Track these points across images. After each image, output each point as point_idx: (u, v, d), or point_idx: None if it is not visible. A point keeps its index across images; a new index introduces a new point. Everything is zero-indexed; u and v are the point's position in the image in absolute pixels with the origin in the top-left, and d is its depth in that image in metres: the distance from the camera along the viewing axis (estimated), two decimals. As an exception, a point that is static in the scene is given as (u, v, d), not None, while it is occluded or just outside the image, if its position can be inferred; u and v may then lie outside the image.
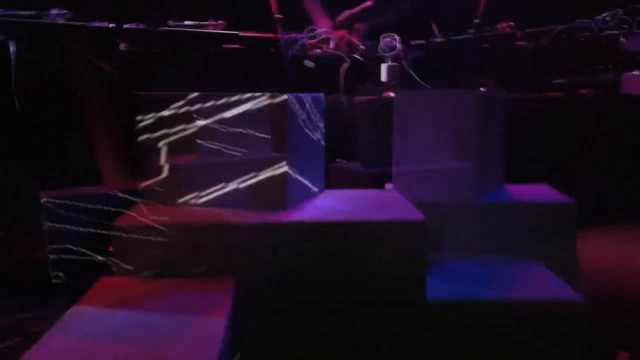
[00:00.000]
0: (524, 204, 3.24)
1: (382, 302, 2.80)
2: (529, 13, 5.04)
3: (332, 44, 5.19)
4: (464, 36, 5.17)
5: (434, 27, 5.27)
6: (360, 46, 5.23)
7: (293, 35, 5.16)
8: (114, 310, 2.80)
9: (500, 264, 3.10)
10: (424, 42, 5.37)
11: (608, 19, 4.65)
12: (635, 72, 4.29)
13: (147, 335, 2.47)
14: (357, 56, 5.11)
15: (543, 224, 3.14)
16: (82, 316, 2.74)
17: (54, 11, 4.80)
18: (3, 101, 5.75)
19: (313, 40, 5.25)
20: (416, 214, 2.90)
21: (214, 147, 4.07)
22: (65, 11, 4.84)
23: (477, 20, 5.01)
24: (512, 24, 5.07)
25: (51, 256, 3.99)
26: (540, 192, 3.45)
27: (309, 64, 5.74)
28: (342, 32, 5.35)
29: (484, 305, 2.72)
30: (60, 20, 4.83)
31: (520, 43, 4.94)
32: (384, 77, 5.09)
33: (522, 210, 3.20)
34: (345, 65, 5.61)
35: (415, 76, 5.08)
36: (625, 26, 4.55)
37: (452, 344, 2.72)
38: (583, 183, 4.32)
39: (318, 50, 5.29)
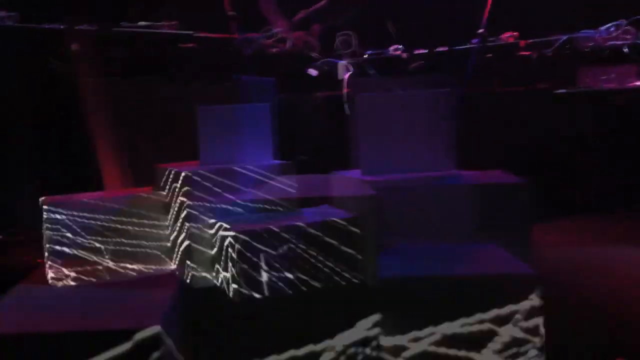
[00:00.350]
0: (478, 185, 3.37)
1: (335, 279, 2.97)
2: (533, 23, 5.04)
3: (289, 44, 5.22)
4: (468, 46, 5.16)
5: (390, 27, 5.32)
6: (318, 46, 5.27)
7: (249, 35, 5.19)
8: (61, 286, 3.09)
9: (453, 245, 3.18)
10: (427, 50, 5.37)
11: (612, 29, 4.65)
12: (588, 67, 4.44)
13: (93, 304, 2.76)
14: (314, 55, 5.15)
15: (497, 204, 3.24)
16: (29, 291, 3.09)
17: (1, 13, 4.83)
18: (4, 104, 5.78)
19: (270, 40, 5.28)
20: (368, 191, 3.13)
21: (215, 156, 4.09)
22: (14, 14, 4.88)
23: (480, 30, 5.01)
24: (516, 33, 5.06)
25: (49, 262, 3.98)
26: (494, 175, 3.56)
27: (312, 72, 5.74)
28: (299, 32, 5.38)
29: (438, 282, 2.79)
30: (9, 23, 4.88)
31: (524, 53, 4.93)
32: (340, 75, 5.19)
33: (477, 192, 3.31)
34: (348, 74, 5.61)
35: (376, 75, 5.21)
36: (629, 37, 4.54)
37: (405, 320, 2.77)
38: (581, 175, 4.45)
39: (275, 50, 5.32)
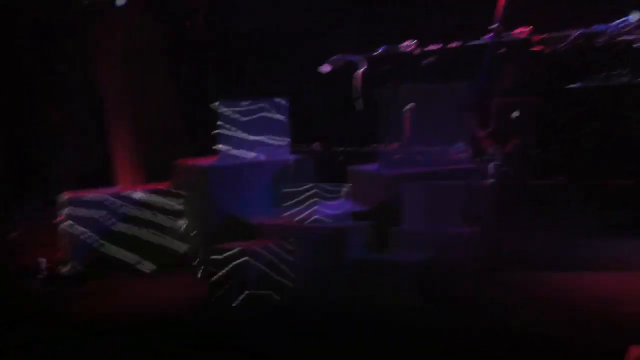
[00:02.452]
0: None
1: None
2: (546, 18, 5.04)
3: None
4: (481, 41, 5.16)
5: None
6: None
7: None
8: None
9: None
10: (440, 46, 5.37)
11: (624, 24, 4.64)
12: None
13: None
14: None
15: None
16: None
17: None
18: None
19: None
20: None
21: (231, 152, 4.15)
22: None
23: (494, 25, 5.00)
24: (529, 28, 5.06)
25: (71, 254, 4.03)
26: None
27: (325, 68, 5.75)
28: None
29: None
30: None
31: (537, 48, 4.93)
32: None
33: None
34: (360, 71, 5.61)
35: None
36: (642, 31, 4.54)
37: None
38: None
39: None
